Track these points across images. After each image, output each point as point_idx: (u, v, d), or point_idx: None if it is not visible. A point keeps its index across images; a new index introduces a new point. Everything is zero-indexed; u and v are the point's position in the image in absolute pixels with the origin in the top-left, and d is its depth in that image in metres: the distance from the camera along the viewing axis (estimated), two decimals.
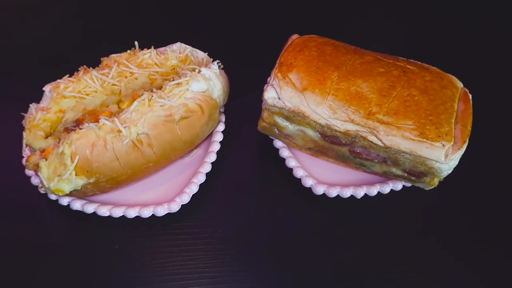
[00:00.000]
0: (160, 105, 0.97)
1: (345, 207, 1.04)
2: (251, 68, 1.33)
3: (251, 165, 1.13)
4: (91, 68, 1.10)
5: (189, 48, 1.13)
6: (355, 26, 1.51)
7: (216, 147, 1.09)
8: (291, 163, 1.07)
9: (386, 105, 0.95)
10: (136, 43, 1.12)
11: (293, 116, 0.99)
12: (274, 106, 1.00)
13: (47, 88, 1.05)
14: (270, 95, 0.99)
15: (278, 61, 1.03)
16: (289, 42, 1.08)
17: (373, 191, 1.02)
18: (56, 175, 0.91)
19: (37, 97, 1.07)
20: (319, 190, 1.02)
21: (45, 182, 0.91)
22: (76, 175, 0.91)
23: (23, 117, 1.02)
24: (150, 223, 1.00)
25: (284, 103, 0.98)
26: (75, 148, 0.91)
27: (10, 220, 1.02)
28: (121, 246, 0.98)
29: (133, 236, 1.00)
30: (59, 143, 1.00)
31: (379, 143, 0.94)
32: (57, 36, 1.49)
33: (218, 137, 1.11)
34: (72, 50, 1.42)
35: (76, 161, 0.90)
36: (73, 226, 1.01)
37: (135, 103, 0.97)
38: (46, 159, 0.94)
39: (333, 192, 1.02)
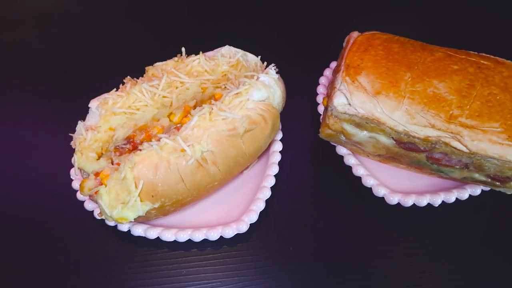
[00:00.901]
0: (222, 119, 0.89)
1: (420, 214, 0.98)
2: (297, 69, 1.26)
3: (313, 175, 1.06)
4: (135, 79, 1.02)
5: (240, 52, 1.04)
6: (405, 17, 1.42)
7: (277, 158, 1.02)
8: (359, 171, 1.00)
9: (468, 106, 0.88)
10: (183, 49, 1.03)
11: (365, 123, 0.92)
12: (344, 113, 0.92)
13: (93, 105, 0.97)
14: (339, 101, 0.92)
15: (343, 63, 0.95)
16: (351, 41, 1.00)
17: (451, 197, 0.96)
18: (119, 202, 0.84)
19: (78, 111, 0.99)
20: (394, 199, 0.96)
21: (106, 211, 0.84)
22: (140, 200, 0.84)
23: (63, 133, 0.95)
24: (215, 245, 0.94)
25: (356, 109, 0.91)
26: (138, 172, 0.83)
27: (66, 248, 0.95)
28: (188, 272, 0.92)
29: (199, 260, 0.93)
30: (112, 164, 0.93)
31: (464, 148, 0.87)
32: (87, 45, 1.40)
33: (278, 146, 1.04)
34: (107, 59, 1.34)
35: (140, 186, 0.82)
36: (133, 252, 0.94)
37: (195, 117, 0.89)
38: (104, 184, 0.87)
39: (408, 201, 0.95)
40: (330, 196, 1.02)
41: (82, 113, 0.98)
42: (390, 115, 0.89)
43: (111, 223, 0.93)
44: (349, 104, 0.91)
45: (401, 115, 0.89)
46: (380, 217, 0.99)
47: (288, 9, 1.47)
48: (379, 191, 0.97)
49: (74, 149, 0.93)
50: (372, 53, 0.96)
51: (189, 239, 0.91)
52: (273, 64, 1.02)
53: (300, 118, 1.15)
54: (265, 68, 1.03)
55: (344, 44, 1.07)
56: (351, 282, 0.90)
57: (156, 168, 0.84)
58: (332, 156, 1.05)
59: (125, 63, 1.33)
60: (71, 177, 1.00)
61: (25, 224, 0.98)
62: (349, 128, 0.95)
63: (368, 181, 0.98)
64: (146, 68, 1.04)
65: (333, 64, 1.20)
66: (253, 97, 0.93)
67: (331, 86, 1.03)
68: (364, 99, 0.91)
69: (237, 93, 0.93)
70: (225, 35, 1.35)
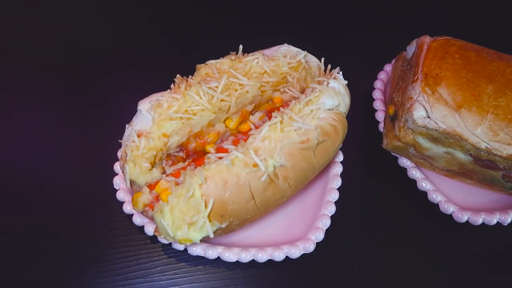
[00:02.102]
0: (295, 130, 0.81)
1: (485, 231, 0.94)
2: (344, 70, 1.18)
3: (373, 188, 1.00)
4: (185, 77, 0.92)
5: (303, 53, 0.95)
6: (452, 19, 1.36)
7: (339, 169, 0.95)
8: (425, 186, 0.94)
9: None
10: (240, 47, 0.93)
11: (444, 138, 0.86)
12: (423, 127, 0.86)
13: (144, 107, 0.86)
14: (419, 114, 0.85)
15: (420, 72, 0.88)
16: (424, 47, 0.93)
17: None
18: (185, 222, 0.75)
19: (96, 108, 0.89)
20: (463, 217, 0.91)
21: (169, 231, 0.75)
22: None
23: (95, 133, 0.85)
24: (276, 264, 0.86)
25: (436, 123, 0.84)
26: (207, 188, 0.74)
27: (114, 267, 0.85)
28: None
29: (260, 281, 0.86)
30: (164, 174, 0.83)
31: None
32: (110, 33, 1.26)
33: (339, 157, 0.97)
34: (140, 51, 1.22)
35: (211, 206, 0.74)
36: (189, 271, 0.86)
37: (266, 127, 0.80)
38: (163, 200, 0.78)
39: (478, 220, 0.91)
40: (392, 211, 0.97)
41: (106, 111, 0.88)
42: (472, 131, 0.84)
43: (163, 240, 0.84)
44: (429, 117, 0.85)
45: (484, 131, 0.83)
46: (445, 234, 0.94)
47: (329, 10, 1.38)
48: (447, 208, 0.92)
49: (122, 156, 0.83)
50: (450, 62, 0.89)
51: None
52: (338, 68, 0.93)
53: (354, 125, 1.08)
54: (326, 72, 0.95)
55: (410, 49, 1.00)
56: None
57: (226, 184, 0.75)
58: (393, 168, 1.00)
59: (151, 55, 1.23)
60: (115, 186, 0.90)
61: (69, 241, 0.88)
62: (424, 142, 0.89)
63: (435, 197, 0.93)
64: (198, 66, 0.93)
65: (387, 67, 1.13)
66: (325, 106, 0.85)
67: (399, 94, 0.96)
68: (445, 113, 0.84)
69: (307, 101, 0.85)
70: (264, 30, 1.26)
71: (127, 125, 0.85)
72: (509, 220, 0.92)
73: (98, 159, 0.96)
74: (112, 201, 0.90)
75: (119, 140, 0.83)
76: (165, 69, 0.98)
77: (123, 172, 0.84)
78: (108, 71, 1.18)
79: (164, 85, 0.89)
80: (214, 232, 0.78)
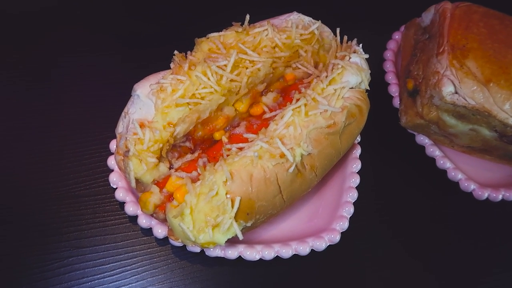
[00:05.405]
0: (320, 113, 0.72)
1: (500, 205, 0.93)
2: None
3: (391, 167, 0.94)
4: (183, 54, 0.79)
5: (317, 23, 0.84)
6: None
7: (357, 151, 0.88)
8: (445, 164, 0.90)
9: None
10: (247, 16, 0.81)
11: (471, 114, 0.81)
12: (451, 104, 0.80)
13: (142, 92, 0.73)
14: (448, 90, 0.79)
15: (446, 43, 0.81)
16: (447, 15, 0.85)
17: None
18: (209, 224, 0.65)
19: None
20: (483, 195, 0.88)
21: (190, 235, 0.65)
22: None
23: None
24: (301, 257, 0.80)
25: (465, 99, 0.79)
26: (232, 186, 0.65)
27: (126, 274, 0.75)
28: None
29: (284, 276, 0.80)
30: (170, 168, 0.72)
31: None
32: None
33: (357, 138, 0.90)
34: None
35: (237, 205, 0.65)
36: (207, 274, 0.78)
37: (289, 111, 0.71)
38: (176, 200, 0.68)
39: (498, 196, 0.89)
40: (415, 192, 0.93)
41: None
42: (501, 106, 0.79)
43: (175, 243, 0.75)
44: (457, 93, 0.79)
45: None
46: (465, 211, 0.92)
47: None
48: (468, 186, 0.89)
49: (119, 150, 0.71)
50: (475, 31, 0.83)
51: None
52: (355, 40, 0.84)
53: None
54: (342, 43, 0.86)
55: (426, 15, 0.93)
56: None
57: (252, 179, 0.66)
58: (410, 146, 0.95)
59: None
60: (112, 185, 0.78)
61: (69, 252, 0.76)
62: (449, 119, 0.84)
63: (455, 175, 0.89)
64: (198, 40, 0.81)
65: (396, 35, 1.05)
66: (349, 84, 0.77)
67: (419, 67, 0.89)
68: (474, 88, 0.79)
69: (330, 79, 0.76)
70: None
71: (122, 113, 0.73)
72: None
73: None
74: (108, 201, 0.78)
75: (119, 133, 0.71)
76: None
77: (122, 169, 0.73)
78: None
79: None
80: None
